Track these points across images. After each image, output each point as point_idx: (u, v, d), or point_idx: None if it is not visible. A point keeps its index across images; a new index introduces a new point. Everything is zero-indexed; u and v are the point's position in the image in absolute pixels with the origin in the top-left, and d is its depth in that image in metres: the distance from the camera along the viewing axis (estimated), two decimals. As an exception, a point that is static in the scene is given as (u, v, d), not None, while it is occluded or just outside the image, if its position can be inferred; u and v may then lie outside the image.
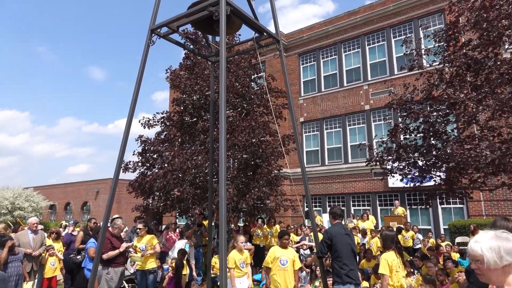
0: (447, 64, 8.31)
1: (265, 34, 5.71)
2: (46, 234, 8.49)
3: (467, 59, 7.63)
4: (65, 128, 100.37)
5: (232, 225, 11.69)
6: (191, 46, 9.60)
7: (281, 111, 12.73)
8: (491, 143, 6.45)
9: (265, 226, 11.60)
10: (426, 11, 15.97)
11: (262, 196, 10.70)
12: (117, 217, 6.90)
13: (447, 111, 8.12)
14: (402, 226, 11.47)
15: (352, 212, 15.75)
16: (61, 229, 14.39)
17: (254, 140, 10.45)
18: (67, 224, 15.04)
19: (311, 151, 18.61)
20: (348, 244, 4.98)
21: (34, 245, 7.18)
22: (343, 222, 5.46)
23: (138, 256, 7.14)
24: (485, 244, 1.78)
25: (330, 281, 5.68)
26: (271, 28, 5.85)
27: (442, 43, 8.70)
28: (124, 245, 6.51)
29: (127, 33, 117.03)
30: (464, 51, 7.95)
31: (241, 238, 6.26)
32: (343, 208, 16.92)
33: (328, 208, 17.12)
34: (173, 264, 8.26)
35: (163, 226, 14.42)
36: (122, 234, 7.20)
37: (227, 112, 11.57)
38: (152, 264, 7.27)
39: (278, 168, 11.58)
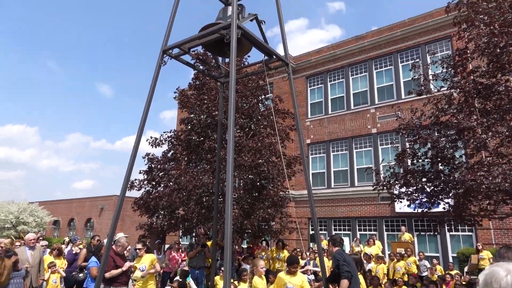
0: (454, 90, 8.34)
1: (274, 57, 5.79)
2: (48, 250, 8.44)
3: (476, 85, 7.65)
4: (72, 144, 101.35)
5: (236, 247, 11.53)
6: (201, 67, 9.76)
7: (288, 133, 12.76)
8: (504, 170, 6.37)
9: (272, 248, 11.39)
10: (433, 37, 16.15)
11: (267, 218, 10.59)
12: (122, 236, 6.83)
13: (455, 137, 8.08)
14: (403, 252, 11.19)
15: (358, 236, 15.47)
16: (63, 246, 14.32)
17: (261, 161, 10.44)
18: (71, 240, 14.96)
19: (317, 173, 18.51)
20: (355, 270, 4.98)
21: (32, 261, 7.11)
22: (347, 249, 5.45)
23: (139, 274, 7.03)
24: (485, 270, 1.69)
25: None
26: (280, 51, 5.94)
27: (449, 69, 8.75)
28: (128, 264, 6.42)
29: (135, 50, 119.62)
30: (472, 77, 7.98)
31: (261, 263, 6.13)
32: (348, 232, 16.66)
33: (334, 232, 16.88)
34: (175, 285, 8.13)
35: (167, 246, 14.26)
36: (125, 252, 7.11)
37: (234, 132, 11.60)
38: (151, 285, 7.14)
39: (284, 189, 11.50)
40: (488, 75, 7.76)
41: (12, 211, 25.88)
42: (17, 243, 9.00)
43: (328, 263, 8.40)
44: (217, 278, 7.71)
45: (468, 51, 8.22)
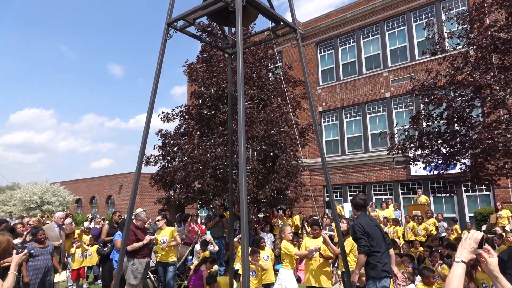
0: (472, 47, 8.00)
1: (281, 23, 5.62)
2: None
3: (493, 40, 7.32)
4: (87, 125, 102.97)
5: (253, 216, 11.76)
6: (208, 39, 9.59)
7: (299, 101, 12.61)
8: None
9: (284, 217, 11.65)
10: (448, -7, 15.38)
11: (281, 187, 10.70)
12: (141, 211, 7.04)
13: (472, 95, 7.85)
14: (419, 215, 11.18)
15: (374, 201, 15.55)
16: (87, 222, 14.94)
17: (273, 131, 10.41)
18: (93, 217, 15.60)
19: (330, 140, 18.42)
20: (380, 236, 4.78)
21: (61, 237, 7.43)
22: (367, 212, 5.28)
23: (161, 246, 7.30)
24: None
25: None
26: (288, 18, 5.76)
27: (466, 26, 8.37)
28: (148, 237, 6.65)
29: (145, 30, 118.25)
30: (490, 32, 7.62)
31: (288, 229, 6.31)
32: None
33: (349, 198, 16.99)
34: (201, 255, 8.42)
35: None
36: (146, 225, 7.36)
37: (245, 104, 11.55)
38: (172, 257, 7.42)
39: (297, 158, 11.52)
40: (507, 29, 7.40)
41: (36, 192, 26.86)
42: (47, 221, 9.44)
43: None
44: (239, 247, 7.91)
45: (486, 5, 7.81)
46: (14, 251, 3.43)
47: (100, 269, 8.89)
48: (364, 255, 4.65)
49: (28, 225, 8.68)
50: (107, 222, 10.72)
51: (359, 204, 5.07)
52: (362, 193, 16.96)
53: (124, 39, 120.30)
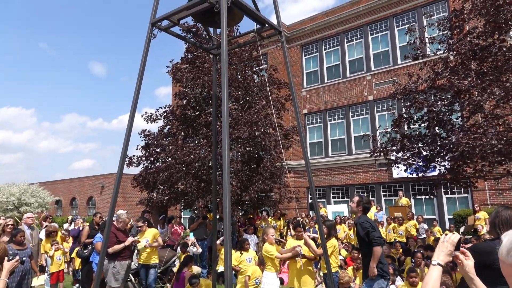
0: (451, 52, 8.22)
1: (266, 25, 5.64)
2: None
3: (472, 46, 7.53)
4: (69, 124, 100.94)
5: (237, 218, 11.73)
6: (193, 39, 9.53)
7: (284, 103, 12.66)
8: (497, 132, 6.40)
9: (270, 219, 11.65)
10: (429, -1, 15.75)
11: (265, 189, 10.71)
12: (123, 213, 6.92)
13: (452, 100, 8.05)
14: (400, 216, 11.37)
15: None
16: (67, 224, 14.58)
17: (257, 133, 10.42)
18: (73, 219, 15.22)
19: (314, 142, 18.56)
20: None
21: (32, 240, 7.22)
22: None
23: (143, 243, 7.20)
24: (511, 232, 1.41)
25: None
26: (273, 20, 5.78)
27: (446, 32, 8.59)
28: (130, 239, 6.55)
29: (128, 28, 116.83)
30: (469, 38, 7.84)
31: (271, 231, 6.28)
32: (347, 199, 16.91)
33: (333, 200, 17.15)
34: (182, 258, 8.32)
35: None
36: (129, 226, 7.24)
37: (229, 105, 11.54)
38: (154, 259, 7.34)
39: (281, 160, 11.56)
40: (485, 36, 7.63)
41: (13, 193, 26.02)
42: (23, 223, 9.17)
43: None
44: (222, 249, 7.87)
45: (465, 12, 8.04)
46: (6, 258, 3.38)
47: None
48: (380, 246, 4.65)
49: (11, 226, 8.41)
50: (87, 223, 10.50)
51: (368, 208, 5.18)
52: (344, 195, 17.15)
53: (107, 37, 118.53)
